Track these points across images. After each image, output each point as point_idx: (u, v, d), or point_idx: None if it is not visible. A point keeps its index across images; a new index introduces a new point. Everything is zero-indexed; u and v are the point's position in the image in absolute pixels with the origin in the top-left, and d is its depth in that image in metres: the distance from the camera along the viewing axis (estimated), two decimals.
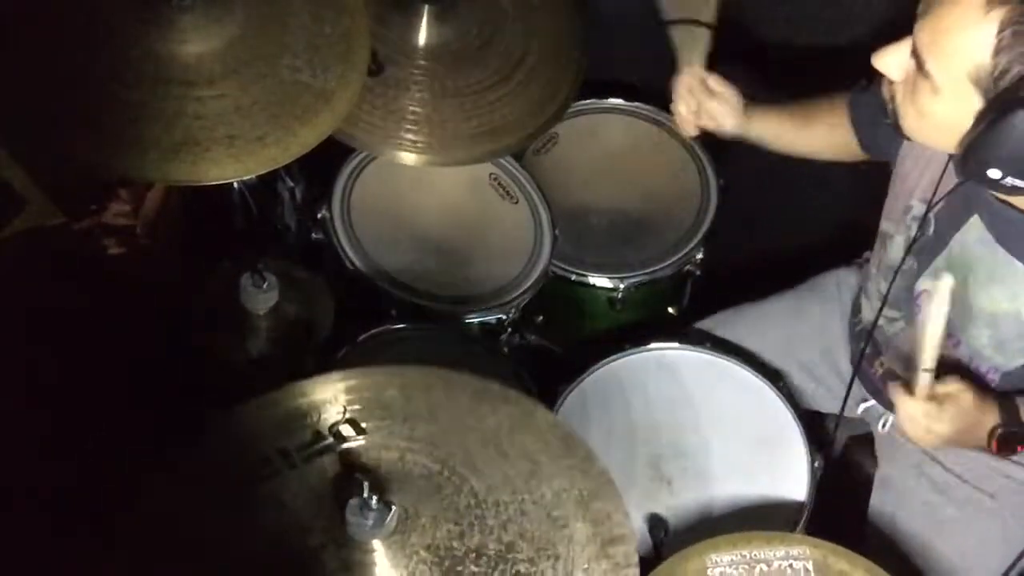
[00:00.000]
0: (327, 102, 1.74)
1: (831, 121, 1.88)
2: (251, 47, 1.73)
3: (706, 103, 1.94)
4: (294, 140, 1.70)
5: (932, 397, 1.57)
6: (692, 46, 1.94)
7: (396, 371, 1.53)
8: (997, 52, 1.34)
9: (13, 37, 1.65)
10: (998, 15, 1.33)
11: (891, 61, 1.48)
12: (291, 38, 1.76)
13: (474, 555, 1.34)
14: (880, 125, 1.74)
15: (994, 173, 1.38)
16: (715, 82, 1.94)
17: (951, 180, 1.60)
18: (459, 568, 1.33)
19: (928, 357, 1.54)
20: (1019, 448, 1.60)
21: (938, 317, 1.49)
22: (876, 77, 1.55)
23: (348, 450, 1.42)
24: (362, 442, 1.43)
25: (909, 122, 1.51)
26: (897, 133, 1.55)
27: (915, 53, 1.43)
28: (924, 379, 1.56)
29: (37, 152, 1.89)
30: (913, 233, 1.67)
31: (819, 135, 1.91)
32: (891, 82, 1.50)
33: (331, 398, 1.47)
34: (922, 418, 1.58)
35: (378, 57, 1.93)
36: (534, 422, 1.49)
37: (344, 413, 1.45)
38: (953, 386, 1.58)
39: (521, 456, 1.44)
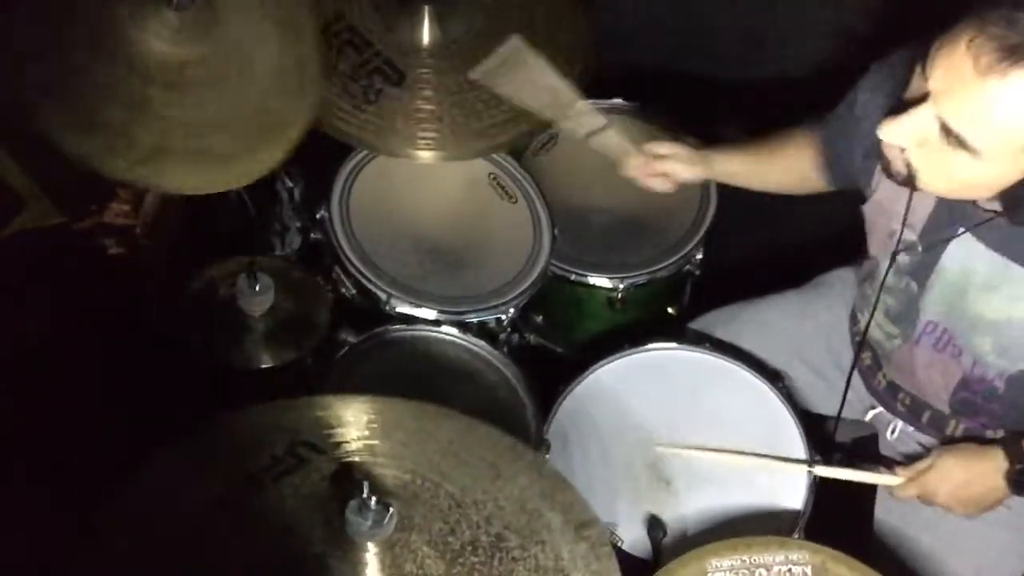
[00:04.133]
0: (282, 129, 1.76)
1: (792, 155, 1.90)
2: (230, 61, 1.73)
3: (659, 167, 1.98)
4: (256, 161, 1.73)
5: (912, 479, 1.72)
6: (613, 142, 2.01)
7: (339, 400, 1.54)
8: None
9: (12, 39, 1.66)
10: None
11: (905, 132, 1.42)
12: (261, 61, 1.77)
13: (471, 547, 1.38)
14: (851, 158, 1.73)
15: None
16: (657, 147, 1.99)
17: (928, 201, 1.59)
18: (461, 560, 1.36)
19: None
20: None
21: None
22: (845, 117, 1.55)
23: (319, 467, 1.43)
24: (324, 460, 1.44)
25: (936, 183, 1.47)
26: (905, 186, 1.51)
27: (947, 129, 1.37)
28: (890, 480, 1.76)
29: (37, 152, 1.89)
30: (900, 257, 1.66)
31: (781, 170, 1.93)
32: (901, 148, 1.45)
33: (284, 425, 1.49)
34: (919, 498, 1.72)
35: (396, 66, 1.93)
36: (477, 433, 1.53)
37: (299, 435, 1.46)
38: (926, 461, 1.72)
39: (480, 461, 1.48)
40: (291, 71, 1.78)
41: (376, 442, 1.47)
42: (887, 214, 1.68)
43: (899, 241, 1.63)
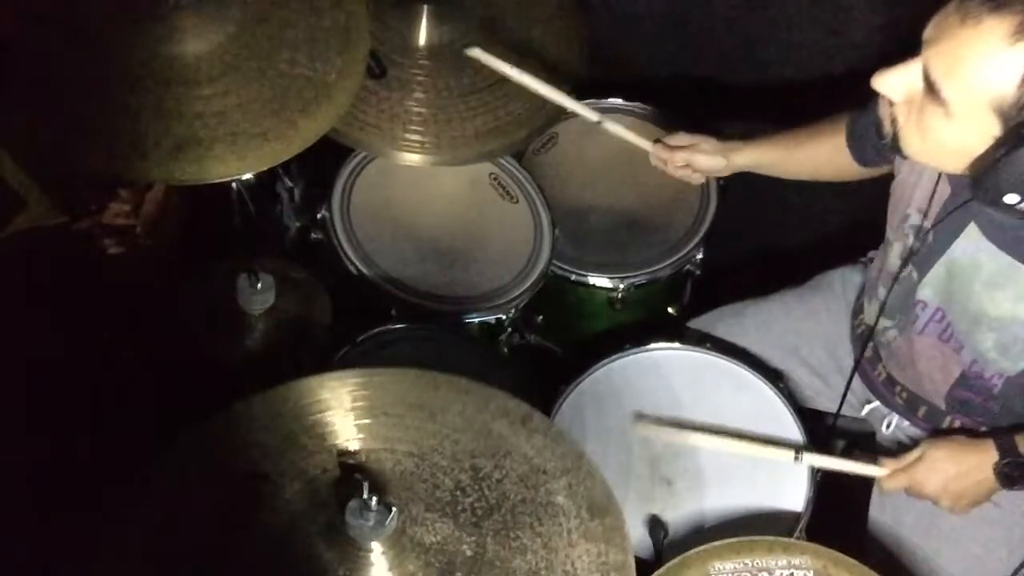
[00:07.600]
0: (328, 95, 1.74)
1: (824, 141, 1.88)
2: (249, 43, 1.73)
3: (680, 158, 1.98)
4: (296, 134, 1.71)
5: (901, 471, 1.70)
6: (628, 134, 2.04)
7: (294, 386, 1.52)
8: None
9: (15, 41, 1.66)
10: None
11: (894, 83, 1.45)
12: (289, 32, 1.76)
13: (460, 492, 1.41)
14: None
15: (1011, 199, 1.38)
16: (678, 139, 1.99)
17: (945, 190, 1.60)
18: (461, 508, 1.38)
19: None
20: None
21: None
22: (872, 96, 1.53)
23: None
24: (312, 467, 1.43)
25: (912, 143, 1.48)
26: (894, 152, 1.54)
27: (927, 79, 1.40)
28: (876, 471, 1.72)
29: (37, 152, 1.89)
30: (910, 243, 1.67)
31: (811, 156, 1.91)
32: (891, 103, 1.48)
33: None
34: (907, 490, 1.70)
35: (380, 59, 1.93)
36: (432, 384, 1.54)
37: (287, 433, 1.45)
38: (915, 453, 1.70)
39: (443, 412, 1.50)
40: (331, 32, 1.78)
41: (352, 428, 1.46)
42: (903, 198, 1.70)
43: (924, 218, 1.64)
